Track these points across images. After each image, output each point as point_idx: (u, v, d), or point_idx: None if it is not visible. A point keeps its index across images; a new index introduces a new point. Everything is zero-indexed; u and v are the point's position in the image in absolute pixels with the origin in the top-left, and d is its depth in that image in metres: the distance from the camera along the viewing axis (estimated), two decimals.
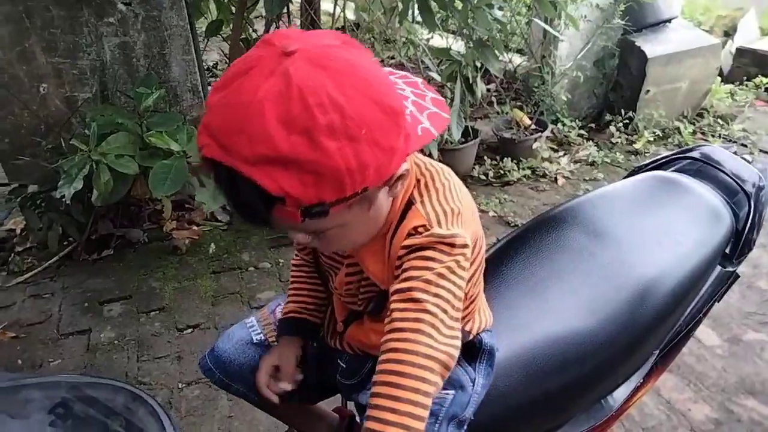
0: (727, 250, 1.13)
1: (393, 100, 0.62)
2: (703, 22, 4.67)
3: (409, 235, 0.72)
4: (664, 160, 1.29)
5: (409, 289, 0.69)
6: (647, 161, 1.32)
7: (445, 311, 0.68)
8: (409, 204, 0.74)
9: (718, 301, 1.19)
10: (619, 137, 3.43)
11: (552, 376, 0.93)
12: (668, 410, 1.69)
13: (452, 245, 0.70)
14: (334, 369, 0.98)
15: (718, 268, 1.12)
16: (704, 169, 1.21)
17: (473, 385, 0.88)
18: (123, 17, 2.35)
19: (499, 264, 1.06)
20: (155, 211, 2.59)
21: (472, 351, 0.89)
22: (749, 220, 1.13)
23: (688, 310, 1.07)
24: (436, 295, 0.68)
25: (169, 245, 2.43)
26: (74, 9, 2.27)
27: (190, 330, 2.01)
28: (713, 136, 3.50)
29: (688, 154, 1.27)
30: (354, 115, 0.56)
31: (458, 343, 0.70)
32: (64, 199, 1.99)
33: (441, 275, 0.69)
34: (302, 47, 0.57)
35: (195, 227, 2.55)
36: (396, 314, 0.69)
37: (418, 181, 0.76)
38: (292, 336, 0.99)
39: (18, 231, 2.49)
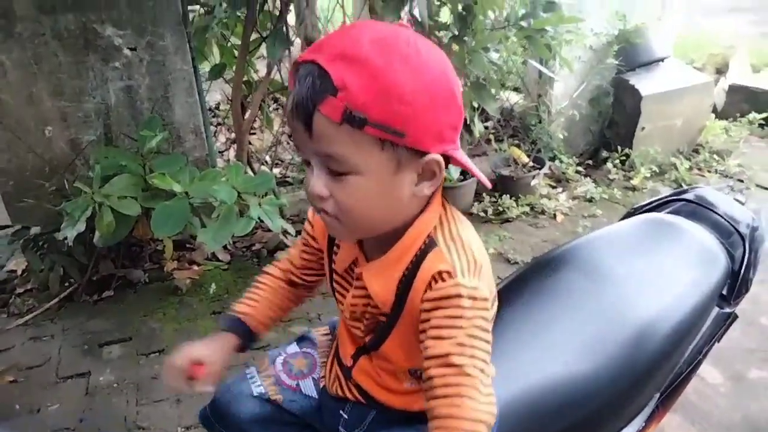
0: (724, 292, 1.14)
1: (460, 95, 0.70)
2: (696, 60, 4.78)
3: (434, 279, 0.71)
4: (658, 201, 1.31)
5: (446, 355, 0.68)
6: (643, 203, 1.34)
7: (482, 371, 0.69)
8: (431, 243, 0.74)
9: (718, 342, 1.19)
10: (617, 174, 3.47)
11: (554, 420, 0.93)
12: None
13: (476, 298, 0.70)
14: (336, 421, 0.95)
15: (716, 309, 1.13)
16: (699, 211, 1.23)
17: None
18: (128, 62, 2.41)
19: (500, 307, 1.07)
20: (156, 252, 2.61)
21: None
22: (745, 261, 1.15)
23: (688, 351, 1.07)
24: (472, 356, 0.69)
25: (170, 285, 2.44)
26: (81, 54, 2.34)
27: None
28: (710, 171, 3.54)
29: (682, 196, 1.29)
30: (426, 66, 0.65)
31: (495, 399, 0.71)
32: (66, 241, 2.01)
33: (473, 336, 0.69)
34: None
35: (196, 267, 2.56)
36: (437, 380, 0.69)
37: (441, 223, 0.76)
38: (231, 334, 0.97)
39: (19, 272, 2.50)
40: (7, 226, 2.43)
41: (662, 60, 3.61)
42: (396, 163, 0.67)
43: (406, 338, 0.78)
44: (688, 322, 1.05)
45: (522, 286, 1.10)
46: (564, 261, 1.13)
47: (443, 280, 0.70)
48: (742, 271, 1.14)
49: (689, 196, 1.27)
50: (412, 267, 0.74)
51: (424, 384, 0.72)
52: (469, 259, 0.72)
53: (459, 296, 0.69)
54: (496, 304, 0.82)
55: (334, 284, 0.90)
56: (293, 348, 1.05)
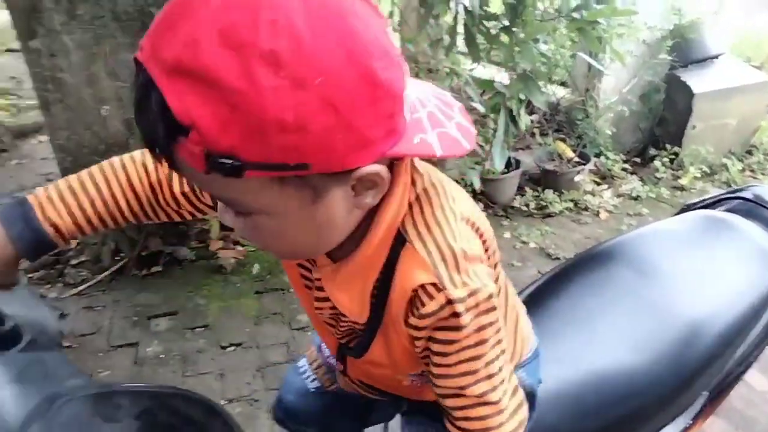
0: None
1: (388, 74, 0.47)
2: (753, 58, 4.60)
3: (418, 298, 0.57)
4: (714, 199, 1.28)
5: (461, 388, 0.60)
6: (696, 200, 1.32)
7: (505, 391, 0.62)
8: (401, 239, 0.58)
9: None
10: (665, 172, 3.39)
11: (598, 413, 0.93)
12: None
13: (477, 305, 0.57)
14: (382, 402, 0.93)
15: None
16: (756, 210, 1.20)
17: None
18: None
19: (545, 298, 1.07)
20: (202, 231, 2.68)
21: None
22: None
23: (739, 352, 1.05)
24: (489, 378, 0.60)
25: (215, 264, 2.51)
26: (137, 36, 2.40)
27: (232, 348, 2.06)
28: (763, 173, 3.43)
29: (739, 194, 1.26)
30: (313, 57, 0.42)
31: (524, 402, 0.66)
32: None
33: (484, 355, 0.59)
34: None
35: (240, 248, 2.62)
36: (457, 413, 0.62)
37: (411, 207, 0.59)
38: (12, 232, 0.65)
39: (73, 245, 2.61)
40: None
41: (717, 57, 3.49)
42: (311, 192, 0.50)
43: (394, 347, 0.66)
44: (741, 322, 1.03)
45: (569, 278, 1.10)
46: (613, 255, 1.12)
47: (430, 296, 0.56)
48: None
49: (746, 194, 1.24)
50: (384, 272, 0.60)
51: (441, 406, 0.64)
52: (454, 250, 0.57)
53: (455, 315, 0.56)
54: (497, 253, 0.69)
55: (301, 277, 0.73)
56: None
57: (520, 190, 3.13)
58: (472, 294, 0.56)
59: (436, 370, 0.61)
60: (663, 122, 3.56)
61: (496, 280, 0.68)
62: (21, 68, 4.94)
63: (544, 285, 1.12)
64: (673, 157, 3.43)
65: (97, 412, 0.51)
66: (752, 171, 3.47)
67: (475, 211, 0.65)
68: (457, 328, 0.57)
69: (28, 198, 0.67)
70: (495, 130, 2.56)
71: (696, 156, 3.39)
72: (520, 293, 1.07)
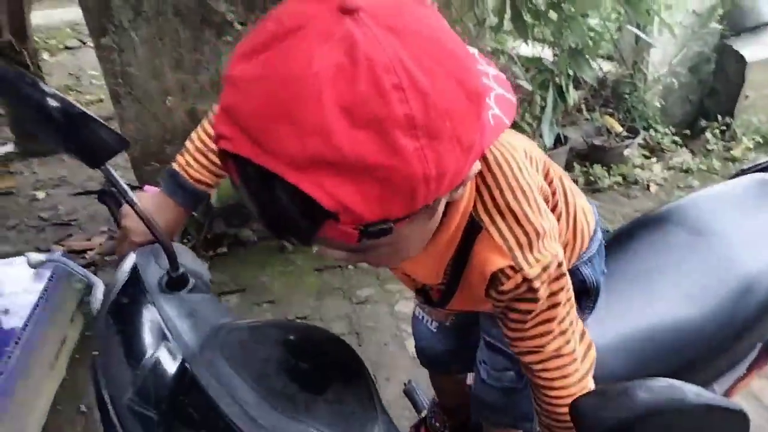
0: None
1: (476, 78, 0.47)
2: None
3: (495, 279, 0.62)
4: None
5: (537, 347, 0.67)
6: (753, 164, 1.35)
7: (576, 341, 0.68)
8: (475, 225, 0.62)
9: None
10: (716, 144, 3.35)
11: (657, 362, 1.00)
12: None
13: (550, 278, 0.63)
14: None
15: None
16: None
17: None
18: (239, 35, 2.59)
19: (606, 256, 1.14)
20: None
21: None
22: None
23: None
24: (563, 334, 0.67)
25: (276, 244, 2.64)
26: (198, 30, 2.54)
27: (299, 321, 2.20)
28: None
29: None
30: (439, 103, 0.42)
31: (592, 344, 0.73)
32: None
33: (558, 316, 0.65)
34: (367, 3, 0.42)
35: None
36: (536, 366, 0.69)
37: (480, 192, 0.61)
38: (176, 199, 0.84)
39: None
40: (137, 188, 2.71)
41: None
42: (430, 214, 0.53)
43: (473, 300, 0.71)
44: None
45: (628, 238, 1.16)
46: (669, 217, 1.18)
47: (508, 277, 0.61)
48: None
49: None
50: (458, 253, 0.64)
51: (526, 369, 0.72)
52: (528, 231, 0.60)
53: (532, 290, 0.61)
54: (557, 170, 0.79)
55: None
56: None
57: (568, 166, 3.15)
58: (545, 269, 0.61)
59: (513, 334, 0.68)
60: (713, 93, 3.50)
61: (551, 183, 0.76)
62: (78, 65, 5.23)
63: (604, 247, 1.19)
64: (725, 128, 3.38)
65: (252, 338, 0.64)
66: None
67: (533, 148, 0.73)
68: (534, 300, 0.63)
69: (174, 167, 0.85)
70: (543, 107, 2.60)
71: (748, 126, 3.33)
72: None
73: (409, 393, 1.46)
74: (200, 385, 0.59)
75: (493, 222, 0.61)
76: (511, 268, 0.60)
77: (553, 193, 0.78)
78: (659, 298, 1.05)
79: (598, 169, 3.10)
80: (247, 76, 0.42)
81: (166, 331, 0.65)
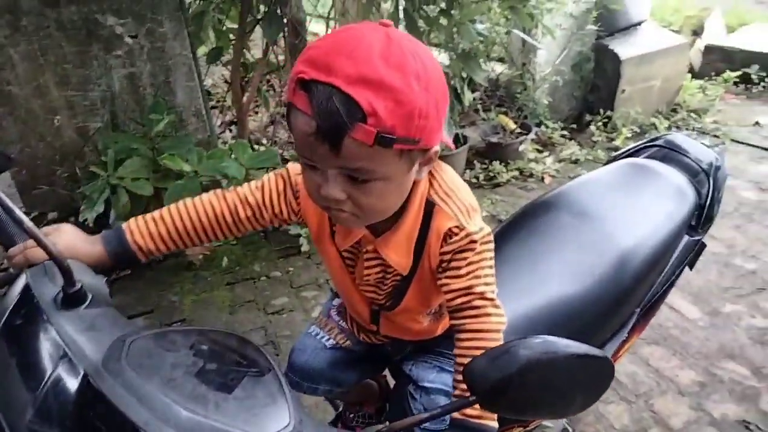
0: (693, 222, 1.30)
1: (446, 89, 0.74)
2: (673, 23, 4.93)
3: (447, 236, 0.83)
4: (635, 148, 1.47)
5: (468, 287, 0.83)
6: (621, 150, 1.50)
7: (493, 292, 0.85)
8: (430, 204, 0.84)
9: (691, 268, 1.36)
10: (600, 135, 3.63)
11: (551, 332, 1.08)
12: (658, 377, 1.86)
13: (483, 238, 0.83)
14: (385, 351, 1.14)
15: (686, 237, 1.29)
16: (670, 155, 1.39)
17: None
18: (130, 49, 2.51)
19: (500, 245, 1.22)
20: None
21: None
22: (710, 195, 1.31)
23: (663, 272, 1.24)
24: (487, 283, 0.84)
25: (184, 261, 2.57)
26: (84, 44, 2.43)
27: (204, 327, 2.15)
28: (687, 129, 3.71)
29: (655, 143, 1.44)
30: (431, 75, 0.68)
31: (504, 310, 0.86)
32: (87, 223, 2.13)
33: (485, 267, 0.84)
34: (392, 28, 0.70)
35: (207, 243, 2.69)
36: (464, 305, 0.84)
37: (431, 183, 0.85)
38: (105, 245, 0.86)
39: None
40: (25, 214, 2.54)
41: (640, 24, 3.75)
42: (410, 164, 0.74)
43: (422, 289, 0.92)
44: (663, 248, 1.21)
45: (518, 226, 1.26)
46: (554, 203, 1.28)
47: (455, 234, 0.82)
48: (708, 204, 1.30)
49: (661, 141, 1.43)
50: (421, 230, 0.85)
51: (449, 309, 0.86)
52: (466, 206, 0.84)
53: (472, 242, 0.82)
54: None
55: (342, 259, 0.95)
56: (338, 299, 1.20)
57: (469, 164, 3.30)
58: (480, 230, 0.83)
59: (451, 281, 0.85)
60: (595, 89, 3.80)
61: None
62: None
63: (497, 235, 1.27)
64: (606, 120, 3.68)
65: (157, 345, 0.64)
66: (678, 127, 3.76)
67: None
68: (471, 250, 0.83)
69: (122, 225, 0.90)
70: None
71: (627, 118, 3.65)
72: None
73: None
74: (105, 398, 0.58)
75: (443, 200, 0.84)
76: (458, 227, 0.82)
77: None
78: (550, 277, 1.14)
79: (496, 165, 3.27)
80: (320, 43, 0.68)
81: (65, 348, 0.63)
